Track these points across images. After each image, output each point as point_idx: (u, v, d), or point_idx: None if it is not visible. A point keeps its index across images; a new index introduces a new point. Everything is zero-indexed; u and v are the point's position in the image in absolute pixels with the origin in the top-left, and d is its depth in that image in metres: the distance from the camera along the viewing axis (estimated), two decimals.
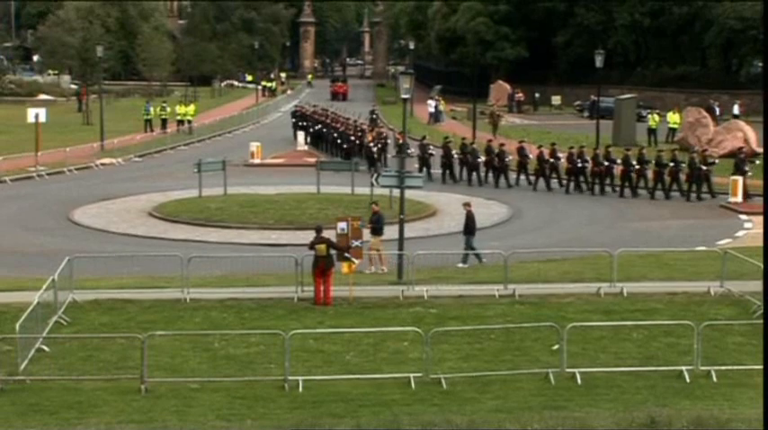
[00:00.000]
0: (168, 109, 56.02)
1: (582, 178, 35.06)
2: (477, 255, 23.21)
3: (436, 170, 37.61)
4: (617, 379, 15.53)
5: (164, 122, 54.84)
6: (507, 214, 31.08)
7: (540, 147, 36.67)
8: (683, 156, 34.90)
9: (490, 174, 36.68)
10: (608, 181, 34.55)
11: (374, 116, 53.90)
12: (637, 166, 34.05)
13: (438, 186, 35.68)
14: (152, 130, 54.36)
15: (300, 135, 48.82)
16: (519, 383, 15.32)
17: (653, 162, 34.06)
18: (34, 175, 38.60)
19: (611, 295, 20.26)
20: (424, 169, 37.00)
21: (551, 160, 35.69)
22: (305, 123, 50.14)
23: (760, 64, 64.18)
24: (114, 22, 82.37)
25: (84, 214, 30.34)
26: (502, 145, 37.50)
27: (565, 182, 35.61)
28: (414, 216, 28.51)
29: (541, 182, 35.70)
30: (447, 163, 37.15)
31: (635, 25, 71.53)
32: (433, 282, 20.96)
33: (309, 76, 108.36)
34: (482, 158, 36.61)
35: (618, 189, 34.33)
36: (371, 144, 39.39)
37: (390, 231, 24.27)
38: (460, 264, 22.84)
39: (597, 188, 34.61)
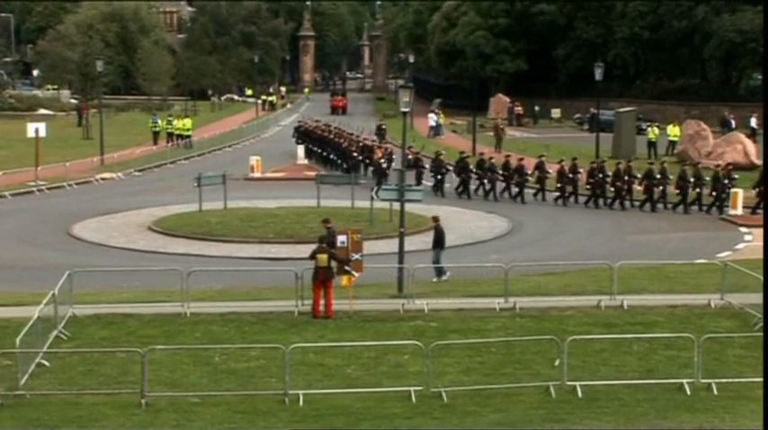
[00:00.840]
0: (174, 122, 56.58)
1: (600, 192, 34.65)
2: (440, 270, 22.90)
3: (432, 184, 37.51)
4: (618, 392, 15.50)
5: (170, 136, 55.33)
6: (507, 227, 31.09)
7: (560, 162, 35.92)
8: (676, 169, 34.92)
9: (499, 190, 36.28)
10: (627, 196, 34.15)
11: (382, 130, 52.87)
12: (657, 178, 33.71)
13: (437, 199, 35.69)
14: (157, 143, 54.62)
15: (300, 149, 48.81)
16: (520, 396, 15.29)
17: (658, 175, 34.03)
18: (34, 190, 38.63)
19: (612, 308, 20.24)
20: (436, 184, 36.88)
21: (571, 175, 35.11)
22: (307, 139, 49.55)
23: (759, 76, 64.31)
24: (114, 36, 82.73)
25: (83, 228, 30.34)
26: (521, 159, 36.86)
27: (584, 197, 35.09)
28: (414, 229, 28.50)
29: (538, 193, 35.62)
30: (466, 178, 36.63)
31: (634, 38, 71.71)
32: (433, 295, 20.94)
33: (306, 90, 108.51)
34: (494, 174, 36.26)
35: (636, 204, 33.91)
36: (382, 160, 38.51)
37: (391, 245, 24.29)
38: (435, 279, 22.63)
39: (617, 203, 34.20)
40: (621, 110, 51.74)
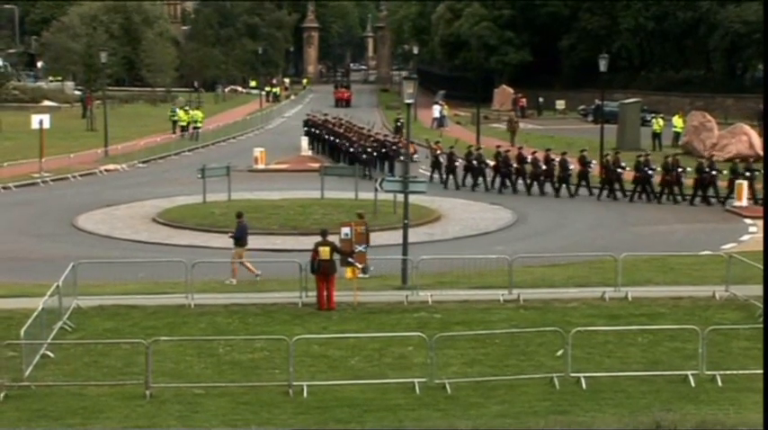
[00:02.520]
0: (191, 112, 57.24)
1: (618, 186, 34.26)
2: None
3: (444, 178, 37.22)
4: (622, 383, 15.49)
5: (181, 128, 55.76)
6: (512, 219, 31.06)
7: (606, 155, 35.30)
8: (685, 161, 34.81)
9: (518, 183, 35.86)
10: (648, 188, 33.85)
11: (399, 124, 50.69)
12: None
13: (442, 191, 35.66)
14: (176, 132, 55.23)
15: (304, 140, 48.67)
16: (524, 388, 15.29)
17: (659, 167, 33.94)
18: (38, 182, 38.65)
19: (616, 300, 20.22)
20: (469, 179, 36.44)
21: (616, 169, 34.47)
22: (317, 132, 47.85)
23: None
24: (118, 28, 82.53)
25: (88, 220, 30.36)
26: (564, 153, 35.89)
27: (597, 190, 34.75)
28: (418, 221, 28.50)
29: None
30: (507, 172, 35.99)
31: (639, 29, 71.50)
32: (437, 286, 20.93)
33: (305, 81, 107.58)
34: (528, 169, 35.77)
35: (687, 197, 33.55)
36: (438, 153, 37.54)
37: (395, 236, 24.28)
38: (361, 275, 21.95)
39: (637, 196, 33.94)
40: (626, 101, 51.60)
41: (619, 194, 34.54)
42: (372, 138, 40.78)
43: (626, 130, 47.43)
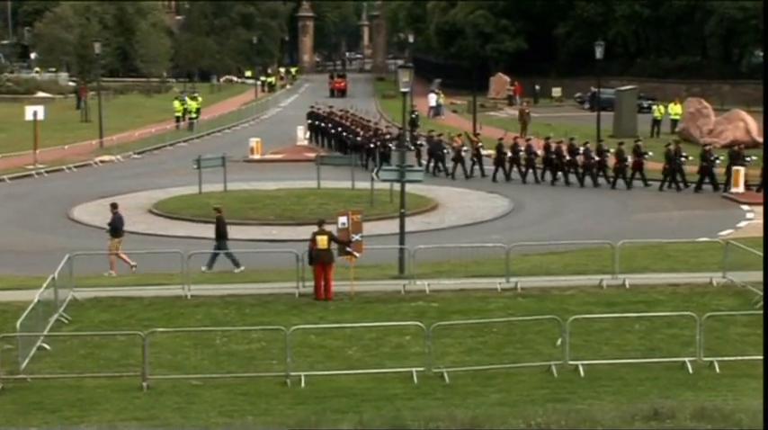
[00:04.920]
0: (199, 99, 58.69)
1: (680, 176, 33.44)
2: (236, 262, 22.36)
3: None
4: (620, 371, 15.48)
5: (177, 119, 56.02)
6: (509, 207, 31.02)
7: (637, 141, 34.87)
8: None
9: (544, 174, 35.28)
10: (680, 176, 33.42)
11: (414, 116, 48.44)
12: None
13: (438, 180, 35.60)
14: (184, 121, 55.62)
15: (300, 130, 48.45)
16: (521, 376, 15.28)
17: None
18: (33, 173, 38.54)
19: (614, 287, 20.21)
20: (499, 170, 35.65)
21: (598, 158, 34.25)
22: (322, 125, 45.92)
23: (761, 53, 63.99)
24: (112, 18, 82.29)
25: (83, 212, 30.28)
26: (586, 143, 35.27)
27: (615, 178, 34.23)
28: (415, 210, 28.45)
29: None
30: (551, 162, 35.15)
31: (635, 16, 71.30)
32: (434, 276, 20.90)
33: (294, 70, 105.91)
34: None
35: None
36: (463, 148, 36.44)
37: (391, 226, 24.23)
38: (204, 268, 22.04)
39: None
40: (622, 88, 51.51)
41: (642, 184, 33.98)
42: (382, 132, 39.02)
43: (622, 118, 47.36)
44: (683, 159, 33.54)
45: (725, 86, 64.27)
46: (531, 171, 35.52)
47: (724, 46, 70.35)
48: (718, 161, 33.33)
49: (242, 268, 22.13)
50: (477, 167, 36.65)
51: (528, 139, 36.90)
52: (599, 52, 41.59)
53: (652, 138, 43.66)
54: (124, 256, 22.11)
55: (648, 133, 45.90)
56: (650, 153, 34.17)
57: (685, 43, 74.94)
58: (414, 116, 48.49)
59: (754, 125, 42.23)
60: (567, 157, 34.90)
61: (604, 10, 71.53)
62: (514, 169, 35.82)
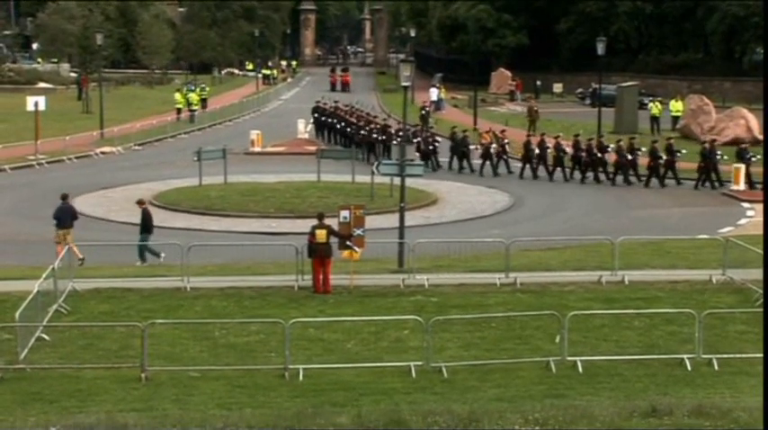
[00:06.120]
0: (207, 89, 60.78)
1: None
2: (155, 253, 22.32)
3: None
4: (618, 367, 15.49)
5: (203, 102, 58.56)
6: (509, 202, 31.01)
7: (654, 142, 34.70)
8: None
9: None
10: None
11: (424, 113, 48.04)
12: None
13: (437, 174, 35.57)
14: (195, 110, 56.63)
15: (301, 123, 48.38)
16: (520, 372, 15.28)
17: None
18: (34, 164, 38.52)
19: (613, 283, 20.20)
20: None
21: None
22: (328, 120, 44.99)
23: (762, 51, 63.90)
24: (114, 9, 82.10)
25: (84, 203, 30.23)
26: (619, 140, 35.05)
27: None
28: (414, 204, 28.45)
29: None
30: (579, 159, 34.75)
31: (637, 12, 71.25)
32: (433, 270, 20.90)
33: (294, 63, 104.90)
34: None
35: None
36: (491, 144, 35.97)
37: (391, 220, 24.23)
38: (138, 263, 22.06)
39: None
40: (623, 84, 51.47)
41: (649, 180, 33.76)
42: (391, 128, 38.42)
43: (624, 114, 47.33)
44: (678, 155, 33.55)
45: (726, 83, 64.26)
46: (558, 169, 34.87)
47: (726, 43, 70.23)
48: (723, 158, 33.22)
49: (163, 255, 21.94)
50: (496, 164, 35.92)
51: (557, 137, 35.84)
52: (601, 48, 41.54)
53: (652, 135, 43.62)
54: (75, 248, 21.80)
55: (648, 130, 45.88)
56: (683, 151, 33.94)
57: (687, 40, 74.89)
58: (425, 112, 48.22)
59: (755, 122, 42.20)
60: (599, 155, 34.46)
61: (607, 6, 71.47)
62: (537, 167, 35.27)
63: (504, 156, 36.19)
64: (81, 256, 21.49)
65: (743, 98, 55.83)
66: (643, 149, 34.19)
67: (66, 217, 22.38)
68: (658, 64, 71.47)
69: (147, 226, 22.71)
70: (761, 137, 39.86)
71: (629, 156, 33.93)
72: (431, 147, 36.94)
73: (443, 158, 37.45)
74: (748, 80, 61.36)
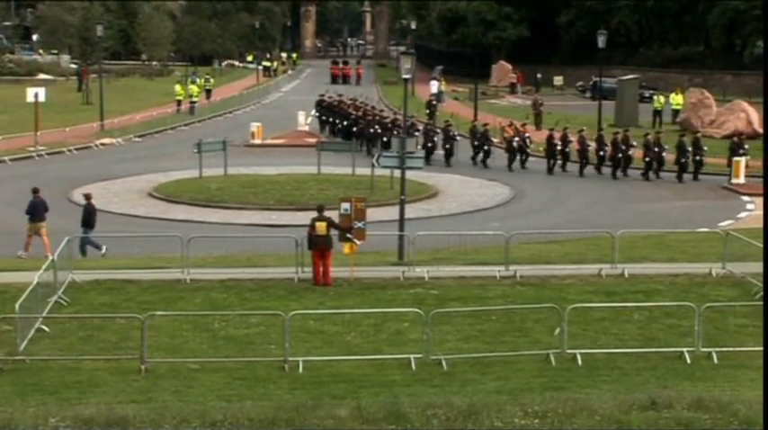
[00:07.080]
0: (212, 80, 62.50)
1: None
2: (96, 245, 22.24)
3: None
4: (618, 360, 15.49)
5: (208, 93, 60.35)
6: (509, 195, 31.00)
7: (646, 135, 34.58)
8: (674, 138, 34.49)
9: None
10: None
11: (433, 105, 47.54)
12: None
13: (439, 167, 35.53)
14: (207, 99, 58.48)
15: (301, 115, 48.30)
16: (520, 364, 15.29)
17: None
18: (34, 155, 38.50)
19: (613, 276, 20.20)
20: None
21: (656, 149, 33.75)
22: (332, 116, 43.96)
23: (763, 44, 63.80)
24: (114, 1, 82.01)
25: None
26: (626, 130, 35.12)
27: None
28: (415, 197, 28.44)
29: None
30: (604, 152, 34.32)
31: (638, 5, 71.11)
32: (433, 262, 20.90)
33: (294, 55, 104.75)
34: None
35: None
36: (515, 137, 35.64)
37: (391, 212, 24.21)
38: (81, 256, 21.86)
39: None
40: (624, 77, 51.42)
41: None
42: (399, 122, 36.82)
43: (624, 107, 47.29)
44: (666, 148, 33.56)
45: (727, 77, 64.18)
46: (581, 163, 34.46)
47: (726, 37, 70.16)
48: (706, 150, 33.35)
49: (105, 248, 21.96)
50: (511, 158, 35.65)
51: (581, 131, 35.17)
52: (601, 41, 41.47)
53: (654, 128, 43.56)
54: (46, 240, 21.84)
55: (650, 123, 45.84)
56: (706, 148, 33.87)
57: (688, 33, 74.80)
58: (433, 105, 48.03)
59: (755, 116, 42.17)
60: (624, 149, 34.07)
61: None
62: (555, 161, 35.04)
63: (527, 151, 35.78)
64: (49, 254, 20.91)
65: (744, 91, 55.75)
66: (706, 148, 33.97)
67: (38, 211, 22.53)
68: (659, 57, 71.38)
69: (88, 221, 22.69)
70: (761, 130, 39.84)
71: (624, 148, 33.89)
72: (429, 144, 36.67)
73: (463, 153, 36.74)
74: (749, 74, 61.28)
